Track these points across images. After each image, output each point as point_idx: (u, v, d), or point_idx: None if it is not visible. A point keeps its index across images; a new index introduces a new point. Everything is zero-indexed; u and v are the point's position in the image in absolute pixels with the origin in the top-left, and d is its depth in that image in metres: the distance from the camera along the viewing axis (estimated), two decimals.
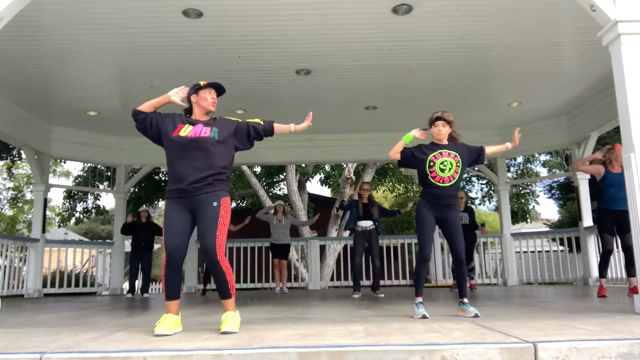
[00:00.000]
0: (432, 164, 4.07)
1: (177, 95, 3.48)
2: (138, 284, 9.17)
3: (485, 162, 4.33)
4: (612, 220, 5.88)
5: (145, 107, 3.48)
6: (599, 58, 6.46)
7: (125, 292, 10.18)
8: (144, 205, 12.78)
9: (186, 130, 3.37)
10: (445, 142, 4.16)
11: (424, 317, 3.78)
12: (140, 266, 9.01)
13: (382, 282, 10.36)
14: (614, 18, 3.98)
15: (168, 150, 3.41)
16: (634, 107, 3.87)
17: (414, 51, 6.49)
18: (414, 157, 4.17)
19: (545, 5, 5.40)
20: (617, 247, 7.74)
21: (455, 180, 4.04)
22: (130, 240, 9.14)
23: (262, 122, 3.59)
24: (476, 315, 3.74)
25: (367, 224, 7.29)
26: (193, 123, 3.43)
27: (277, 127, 3.64)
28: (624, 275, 7.53)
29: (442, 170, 4.03)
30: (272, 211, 9.44)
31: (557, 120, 9.26)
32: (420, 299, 3.96)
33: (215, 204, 3.28)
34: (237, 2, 5.28)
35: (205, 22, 5.60)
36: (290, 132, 3.67)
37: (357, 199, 7.60)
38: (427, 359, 2.35)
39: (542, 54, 6.61)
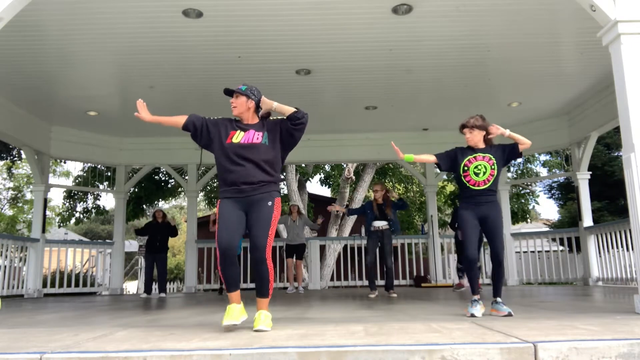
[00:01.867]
0: (466, 168, 4.07)
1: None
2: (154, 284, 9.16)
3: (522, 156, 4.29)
4: None
5: (169, 120, 3.57)
6: (599, 58, 6.45)
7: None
8: (144, 206, 12.76)
9: (238, 137, 3.42)
10: (481, 145, 4.13)
11: (473, 315, 3.76)
12: (155, 266, 8.99)
13: (382, 282, 10.37)
14: (613, 18, 3.98)
15: (220, 157, 3.44)
16: (634, 107, 3.87)
17: (414, 51, 6.49)
18: (449, 159, 4.19)
19: (545, 5, 5.40)
20: (622, 247, 7.74)
21: (490, 183, 4.03)
22: (146, 241, 9.14)
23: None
24: (509, 314, 3.74)
25: (380, 224, 7.26)
26: (244, 129, 3.47)
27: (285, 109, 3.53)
28: (630, 275, 7.54)
29: (477, 174, 4.03)
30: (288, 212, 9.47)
31: (557, 120, 9.26)
32: (476, 297, 3.94)
33: (270, 203, 3.37)
34: (237, 2, 5.28)
35: (205, 22, 5.60)
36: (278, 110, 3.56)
37: (371, 200, 7.59)
38: (427, 359, 2.35)
39: (542, 54, 6.61)
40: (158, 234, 8.93)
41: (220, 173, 3.46)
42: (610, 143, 14.46)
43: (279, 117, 3.58)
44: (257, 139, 3.42)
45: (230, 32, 5.90)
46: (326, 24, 5.72)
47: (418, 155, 4.29)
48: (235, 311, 3.27)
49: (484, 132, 4.12)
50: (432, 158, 4.25)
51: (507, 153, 4.16)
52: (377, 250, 7.40)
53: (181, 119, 3.51)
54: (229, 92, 3.58)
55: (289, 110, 3.46)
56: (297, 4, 5.30)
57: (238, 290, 3.39)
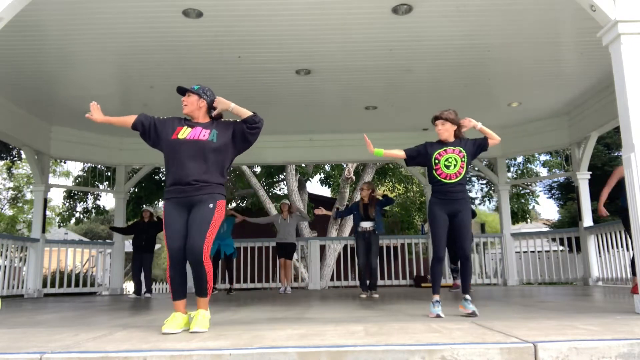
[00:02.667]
0: (437, 161, 4.11)
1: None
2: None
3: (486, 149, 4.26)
4: None
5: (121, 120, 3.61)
6: (599, 58, 6.46)
7: (129, 293, 10.16)
8: (144, 205, 12.75)
9: (184, 133, 3.41)
10: (451, 140, 4.18)
11: (438, 316, 3.79)
12: (142, 266, 8.98)
13: (382, 282, 10.39)
14: (613, 18, 3.98)
15: (166, 153, 3.44)
16: (634, 107, 3.87)
17: (414, 51, 6.49)
18: (420, 155, 4.23)
19: (545, 5, 5.40)
20: (621, 247, 7.75)
21: (461, 175, 4.07)
22: (132, 240, 9.13)
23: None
24: (473, 313, 3.76)
25: (367, 224, 7.26)
26: (192, 126, 3.46)
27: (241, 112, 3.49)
28: (629, 275, 7.54)
29: (447, 167, 4.07)
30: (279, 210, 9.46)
31: (557, 120, 9.26)
32: (436, 297, 3.97)
33: (211, 205, 3.32)
34: (237, 2, 5.28)
35: (205, 22, 5.60)
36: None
37: (357, 201, 7.59)
38: (427, 359, 2.35)
39: (542, 54, 6.61)
40: (144, 234, 8.93)
41: (167, 170, 3.44)
42: (610, 143, 14.47)
43: (232, 119, 3.55)
44: (204, 136, 3.39)
45: (230, 32, 5.90)
46: (326, 24, 5.72)
47: (388, 150, 4.32)
48: (179, 320, 3.24)
49: (455, 127, 4.17)
50: (401, 153, 4.29)
51: (476, 147, 4.19)
52: (366, 251, 7.38)
53: (130, 119, 3.53)
54: (182, 91, 3.57)
55: (246, 113, 3.45)
56: (297, 4, 5.30)
57: (184, 300, 3.35)
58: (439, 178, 4.09)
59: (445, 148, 4.13)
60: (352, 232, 7.71)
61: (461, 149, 4.11)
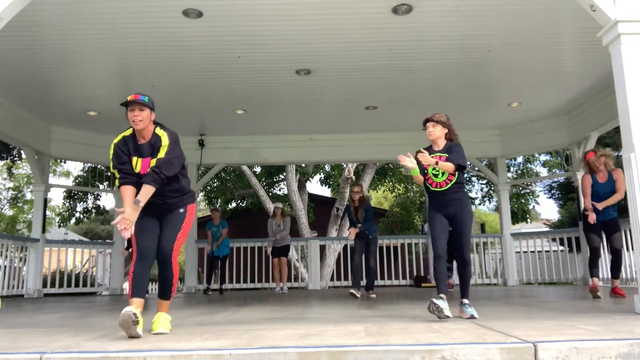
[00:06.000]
0: (426, 171, 4.04)
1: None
2: None
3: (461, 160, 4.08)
4: (598, 225, 5.88)
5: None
6: (599, 58, 6.45)
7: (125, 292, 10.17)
8: None
9: (137, 166, 3.29)
10: (440, 144, 4.09)
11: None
12: None
13: (382, 282, 10.39)
14: (614, 18, 3.99)
15: None
16: (634, 107, 3.87)
17: (414, 51, 6.49)
18: (419, 166, 4.10)
19: (545, 5, 5.40)
20: (622, 247, 7.75)
21: (451, 182, 3.96)
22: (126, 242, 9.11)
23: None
24: (472, 317, 3.74)
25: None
26: (140, 154, 3.29)
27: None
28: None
29: (435, 176, 4.01)
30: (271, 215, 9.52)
31: (557, 120, 9.26)
32: (441, 296, 3.86)
33: (182, 210, 3.39)
34: (237, 2, 5.28)
35: (205, 22, 5.60)
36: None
37: (348, 204, 7.63)
38: (427, 359, 2.35)
39: (542, 54, 6.61)
40: None
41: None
42: (610, 143, 14.47)
43: (162, 131, 3.33)
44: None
45: (230, 32, 5.90)
46: (326, 24, 5.72)
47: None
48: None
49: (446, 131, 4.08)
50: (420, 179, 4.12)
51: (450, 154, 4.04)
52: (363, 251, 7.41)
53: (128, 189, 3.23)
54: (128, 104, 3.22)
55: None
56: (297, 4, 5.30)
57: (142, 301, 3.19)
58: (430, 187, 4.04)
59: (432, 155, 4.00)
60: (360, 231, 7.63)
61: (447, 155, 3.99)
